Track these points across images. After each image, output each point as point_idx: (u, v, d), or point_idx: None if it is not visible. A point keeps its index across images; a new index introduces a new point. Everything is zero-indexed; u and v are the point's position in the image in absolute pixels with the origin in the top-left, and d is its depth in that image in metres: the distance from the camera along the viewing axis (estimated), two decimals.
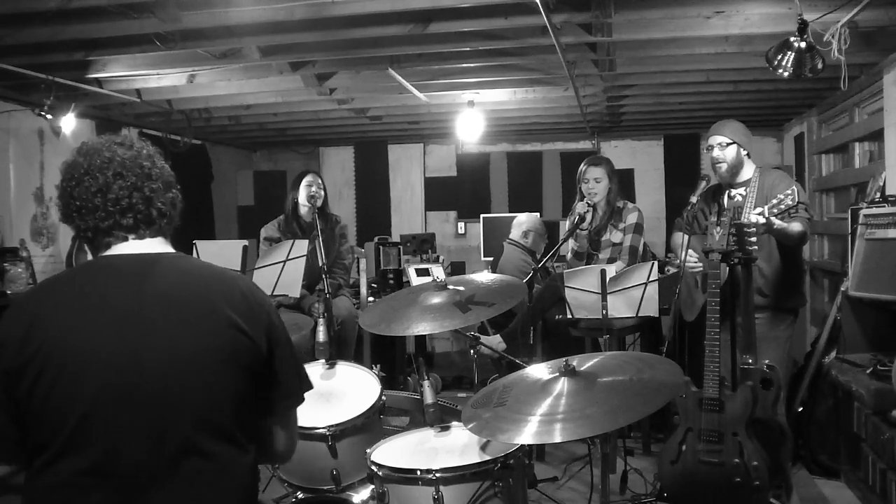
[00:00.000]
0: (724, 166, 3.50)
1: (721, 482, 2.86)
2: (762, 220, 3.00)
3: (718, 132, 3.51)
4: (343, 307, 4.52)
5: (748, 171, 3.53)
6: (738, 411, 2.88)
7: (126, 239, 1.52)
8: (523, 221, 5.16)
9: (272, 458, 1.70)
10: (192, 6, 3.21)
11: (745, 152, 3.52)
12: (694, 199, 3.48)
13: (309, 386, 1.66)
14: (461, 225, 7.31)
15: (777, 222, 3.02)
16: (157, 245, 1.55)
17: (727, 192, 3.52)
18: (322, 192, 4.53)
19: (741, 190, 3.47)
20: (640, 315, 3.79)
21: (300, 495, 2.57)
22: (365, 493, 2.48)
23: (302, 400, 1.65)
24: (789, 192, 3.00)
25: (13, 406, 1.40)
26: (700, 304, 3.48)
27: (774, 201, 3.02)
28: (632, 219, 4.38)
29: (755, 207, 3.28)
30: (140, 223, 1.51)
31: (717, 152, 3.50)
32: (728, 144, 3.47)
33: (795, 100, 5.34)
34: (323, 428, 2.45)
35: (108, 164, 1.49)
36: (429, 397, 2.50)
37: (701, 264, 3.42)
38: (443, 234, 7.21)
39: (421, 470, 2.10)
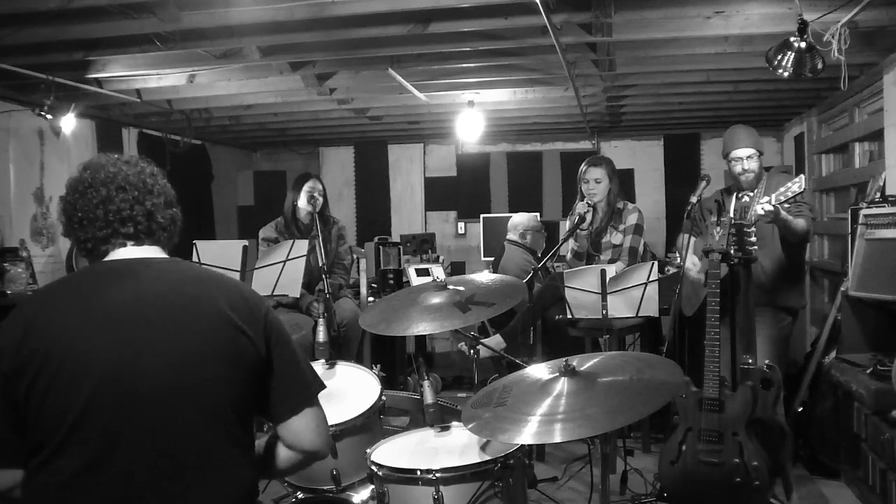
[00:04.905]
0: (751, 176, 3.52)
1: (721, 482, 2.86)
2: (770, 207, 3.01)
3: (743, 144, 3.52)
4: (348, 309, 4.52)
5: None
6: (738, 411, 2.89)
7: (125, 245, 1.54)
8: (518, 223, 5.15)
9: (305, 460, 1.63)
10: (192, 6, 3.21)
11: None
12: (694, 200, 3.47)
13: (320, 384, 1.63)
14: (461, 225, 7.31)
15: (784, 212, 3.04)
16: (154, 252, 1.57)
17: (735, 193, 3.52)
18: (321, 198, 4.54)
19: (749, 191, 3.48)
20: (640, 315, 3.80)
21: (300, 495, 2.56)
22: (365, 493, 2.47)
23: (319, 388, 1.62)
24: (797, 179, 3.01)
25: (12, 411, 1.40)
26: (701, 298, 3.48)
27: (782, 189, 3.04)
28: (632, 220, 4.38)
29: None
30: (140, 233, 1.55)
31: (746, 164, 3.51)
32: (755, 156, 3.51)
33: (795, 100, 5.34)
34: None
35: (111, 178, 1.53)
36: (429, 397, 2.51)
37: (701, 276, 3.42)
38: (443, 234, 7.20)
39: (421, 470, 2.10)
